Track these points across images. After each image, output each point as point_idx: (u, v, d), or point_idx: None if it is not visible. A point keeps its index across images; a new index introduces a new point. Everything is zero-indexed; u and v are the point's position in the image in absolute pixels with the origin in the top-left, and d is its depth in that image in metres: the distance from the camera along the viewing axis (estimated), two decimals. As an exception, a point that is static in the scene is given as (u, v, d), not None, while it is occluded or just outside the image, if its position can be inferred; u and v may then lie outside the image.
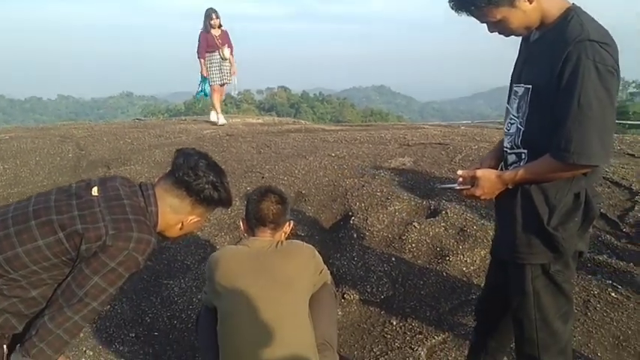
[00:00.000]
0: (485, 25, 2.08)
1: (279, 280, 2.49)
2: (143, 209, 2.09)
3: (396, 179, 5.44)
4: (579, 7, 1.96)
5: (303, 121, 13.27)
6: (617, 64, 1.85)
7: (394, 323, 3.57)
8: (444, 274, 3.95)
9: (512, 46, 2.26)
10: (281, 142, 7.45)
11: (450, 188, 2.42)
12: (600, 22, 1.93)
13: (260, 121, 11.78)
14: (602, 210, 4.47)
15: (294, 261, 2.57)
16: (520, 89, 2.09)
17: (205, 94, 9.80)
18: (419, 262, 4.13)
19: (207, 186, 2.14)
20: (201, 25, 9.34)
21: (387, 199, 4.94)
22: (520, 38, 2.18)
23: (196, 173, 2.13)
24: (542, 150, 1.96)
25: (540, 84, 1.97)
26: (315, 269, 2.67)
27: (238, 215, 4.55)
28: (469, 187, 2.18)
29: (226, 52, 9.33)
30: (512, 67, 2.24)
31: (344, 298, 3.81)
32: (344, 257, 4.23)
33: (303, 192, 5.37)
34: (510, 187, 2.09)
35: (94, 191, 2.07)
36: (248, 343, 2.39)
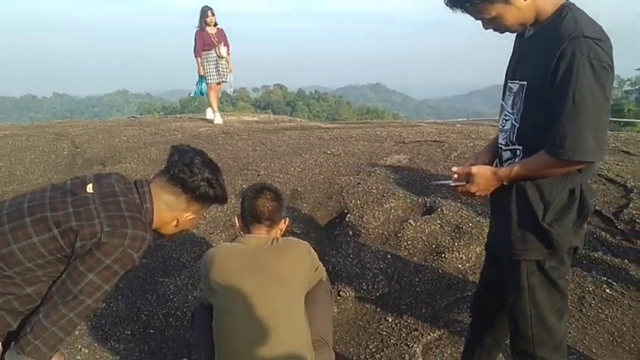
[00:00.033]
0: (480, 22, 2.08)
1: (275, 277, 2.49)
2: (138, 206, 2.09)
3: (392, 177, 5.45)
4: (573, 4, 1.96)
5: (298, 119, 13.28)
6: (612, 61, 1.85)
7: (390, 320, 3.57)
8: (440, 271, 3.96)
9: (510, 43, 2.27)
10: (277, 140, 7.45)
11: (445, 185, 2.43)
12: (599, 21, 1.93)
13: (256, 118, 11.77)
14: (597, 207, 4.49)
15: (289, 258, 2.57)
16: (515, 86, 2.09)
17: (202, 93, 9.78)
18: (414, 259, 4.14)
19: (202, 183, 2.14)
20: (197, 23, 9.31)
21: (383, 196, 4.95)
22: (514, 35, 2.18)
23: (192, 170, 2.13)
24: (537, 146, 1.96)
25: (535, 80, 1.97)
26: (311, 266, 2.67)
27: (234, 213, 4.55)
28: (464, 183, 2.19)
29: (223, 50, 9.31)
30: (507, 64, 2.24)
31: (340, 295, 3.81)
32: (339, 255, 4.23)
33: (299, 189, 5.37)
34: (505, 183, 2.09)
35: (89, 188, 2.07)
36: (244, 340, 2.38)
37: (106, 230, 1.93)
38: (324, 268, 2.82)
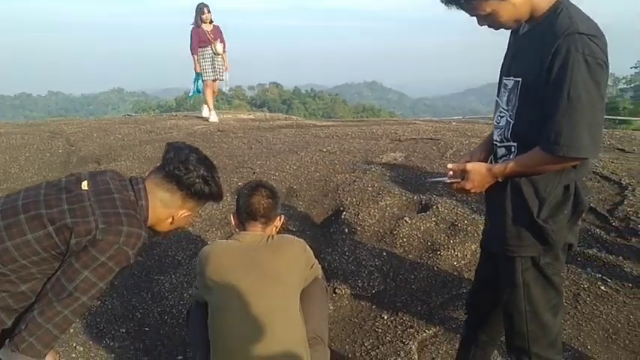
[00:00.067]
0: (474, 19, 2.08)
1: (270, 275, 2.49)
2: (133, 203, 2.08)
3: (388, 174, 5.45)
4: (568, 0, 1.96)
5: (294, 117, 13.27)
6: (606, 57, 1.85)
7: (385, 317, 3.58)
8: (435, 268, 3.97)
9: (505, 40, 2.27)
10: (272, 138, 7.44)
11: (440, 182, 2.42)
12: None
13: (251, 116, 11.77)
14: (591, 204, 4.50)
15: (284, 255, 2.57)
16: (510, 82, 2.09)
17: (199, 91, 9.75)
18: (410, 256, 4.14)
19: (197, 180, 2.14)
20: (192, 21, 9.28)
21: (379, 194, 4.95)
22: (509, 31, 2.18)
23: (187, 167, 2.12)
24: (531, 143, 1.96)
25: (530, 77, 1.97)
26: (306, 264, 2.67)
27: (229, 211, 4.54)
28: (459, 180, 2.19)
29: (219, 47, 9.27)
30: (502, 61, 2.24)
31: (335, 292, 3.81)
32: (335, 252, 4.24)
33: (295, 187, 5.36)
34: (500, 180, 2.09)
35: (84, 185, 2.06)
36: (239, 338, 2.38)
37: (101, 227, 1.92)
38: (319, 266, 2.82)
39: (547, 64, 1.87)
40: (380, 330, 3.47)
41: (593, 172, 5.12)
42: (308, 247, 2.73)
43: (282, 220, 2.81)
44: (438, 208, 4.62)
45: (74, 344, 3.46)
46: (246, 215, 2.65)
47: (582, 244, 4.04)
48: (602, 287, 3.62)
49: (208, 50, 9.27)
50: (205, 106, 10.01)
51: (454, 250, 4.10)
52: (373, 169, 5.57)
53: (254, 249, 2.56)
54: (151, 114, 24.72)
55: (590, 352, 3.13)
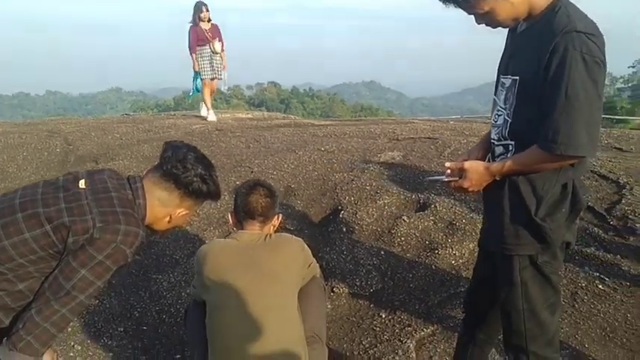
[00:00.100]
0: (472, 17, 2.08)
1: (268, 273, 2.49)
2: (131, 202, 2.08)
3: (386, 173, 5.46)
4: None
5: (292, 116, 13.28)
6: (604, 56, 1.86)
7: (383, 316, 3.58)
8: (433, 267, 3.97)
9: (503, 39, 2.27)
10: (270, 137, 7.44)
11: (438, 180, 2.42)
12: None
13: (249, 115, 11.76)
14: (589, 203, 4.51)
15: (282, 254, 2.58)
16: (507, 81, 2.09)
17: (198, 90, 9.72)
18: (408, 255, 4.14)
19: (195, 179, 2.14)
20: (190, 19, 9.26)
21: (377, 193, 4.95)
22: (507, 30, 2.19)
23: (185, 166, 2.12)
24: (529, 141, 1.96)
25: (527, 75, 1.97)
26: (304, 262, 2.67)
27: (227, 210, 4.54)
28: (457, 179, 2.19)
29: (217, 45, 9.25)
30: (499, 59, 2.24)
31: (333, 291, 3.81)
32: (333, 251, 4.24)
33: (293, 186, 5.36)
34: (498, 178, 2.09)
35: (82, 184, 2.06)
36: (237, 337, 2.38)
37: (99, 226, 1.92)
38: (317, 265, 2.82)
39: (545, 62, 1.87)
40: (378, 329, 3.47)
41: (591, 170, 5.13)
42: (306, 245, 2.73)
43: (280, 218, 2.81)
44: (436, 207, 4.62)
45: (72, 343, 3.45)
46: (244, 214, 2.65)
47: (580, 243, 4.04)
48: (600, 286, 3.62)
49: (206, 49, 9.24)
50: (204, 105, 9.99)
51: (452, 249, 4.11)
52: (371, 168, 5.57)
53: (252, 248, 2.56)
54: (149, 113, 24.70)
55: (588, 350, 3.13)
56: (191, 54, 9.25)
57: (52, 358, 2.12)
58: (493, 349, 2.73)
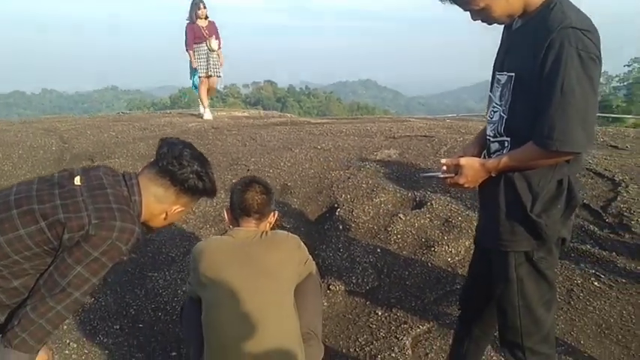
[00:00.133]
0: (468, 14, 2.08)
1: (264, 271, 2.49)
2: (126, 198, 2.08)
3: (382, 171, 5.46)
4: None
5: (289, 115, 13.27)
6: (599, 51, 1.86)
7: (379, 313, 3.58)
8: (429, 264, 3.97)
9: (498, 36, 2.27)
10: (266, 135, 7.43)
11: (433, 177, 2.43)
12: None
13: (246, 114, 11.74)
14: (585, 201, 4.52)
15: (279, 251, 2.57)
16: (503, 77, 2.09)
17: (195, 87, 9.67)
18: (404, 253, 4.15)
19: (191, 175, 2.13)
20: (187, 16, 9.22)
21: (373, 190, 4.95)
22: (502, 26, 2.19)
23: (180, 162, 2.11)
24: (525, 138, 1.97)
25: (523, 72, 1.97)
26: (300, 259, 2.67)
27: (223, 207, 4.53)
28: (453, 175, 2.19)
29: (214, 43, 9.18)
30: (495, 56, 2.24)
31: (329, 289, 3.81)
32: (329, 249, 4.24)
33: (289, 184, 5.36)
34: (494, 174, 2.09)
35: (77, 180, 2.05)
36: (233, 334, 2.38)
37: (94, 223, 1.91)
38: (313, 262, 2.82)
39: (540, 58, 1.87)
40: (374, 326, 3.48)
41: (587, 168, 5.14)
42: (302, 242, 2.73)
43: (276, 215, 2.81)
44: (432, 204, 4.62)
45: (68, 341, 3.45)
46: (239, 211, 2.65)
47: (576, 240, 4.05)
48: (596, 283, 3.63)
49: (203, 47, 9.20)
50: (201, 105, 9.92)
51: (448, 246, 4.11)
52: (367, 166, 5.58)
53: (248, 245, 2.55)
54: (145, 112, 24.65)
55: (584, 347, 3.14)
56: (188, 51, 9.20)
57: (47, 355, 2.12)
58: (489, 346, 2.73)
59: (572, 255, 3.94)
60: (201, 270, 2.50)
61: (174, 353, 3.42)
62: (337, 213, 4.68)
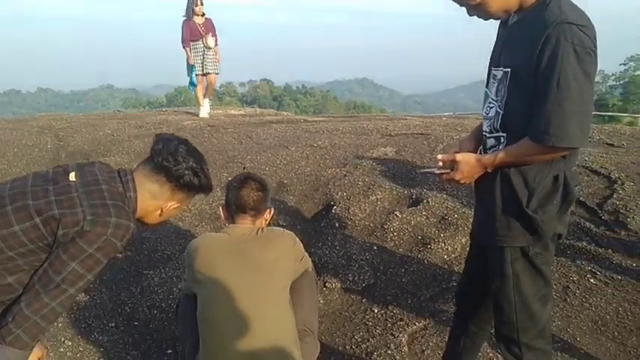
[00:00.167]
0: (464, 10, 2.08)
1: (260, 267, 2.48)
2: (121, 195, 2.07)
3: (378, 169, 5.46)
4: None
5: (285, 113, 13.25)
6: (595, 46, 1.85)
7: (375, 311, 3.58)
8: (425, 262, 3.97)
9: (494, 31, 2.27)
10: (263, 133, 7.42)
11: (430, 173, 2.42)
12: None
13: (242, 112, 11.73)
14: (581, 198, 4.53)
15: (274, 248, 2.56)
16: (499, 73, 2.08)
17: (193, 84, 9.55)
18: (400, 250, 4.15)
19: (187, 172, 2.12)
20: (184, 12, 9.17)
21: (369, 188, 4.95)
22: (498, 22, 2.18)
23: (176, 159, 2.10)
24: (521, 133, 1.96)
25: (519, 67, 1.97)
26: (296, 256, 2.67)
27: (219, 205, 4.53)
28: (449, 171, 2.18)
29: (210, 40, 9.10)
30: (491, 51, 2.23)
31: (325, 286, 3.81)
32: (326, 246, 4.23)
33: (285, 182, 5.36)
34: (490, 170, 2.09)
35: (72, 176, 2.04)
36: (228, 330, 2.37)
37: (89, 219, 1.90)
38: (309, 259, 2.82)
39: (536, 54, 1.86)
40: (370, 323, 3.47)
41: (583, 166, 5.15)
42: (298, 239, 2.72)
43: (272, 212, 2.80)
44: (428, 202, 4.62)
45: (62, 339, 3.43)
46: (235, 208, 2.64)
47: (572, 237, 4.06)
48: (592, 280, 3.64)
49: (199, 44, 9.13)
50: (205, 100, 9.81)
51: (444, 243, 4.11)
52: (364, 163, 5.57)
53: (243, 241, 2.54)
54: (141, 110, 24.61)
55: (580, 343, 3.15)
56: (184, 48, 9.15)
57: (41, 352, 2.11)
58: (485, 342, 2.72)
59: (569, 252, 3.94)
60: (197, 267, 2.50)
61: (169, 351, 3.41)
62: (333, 211, 4.67)
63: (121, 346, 3.45)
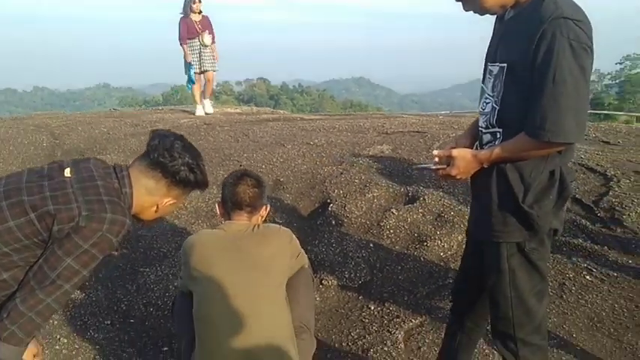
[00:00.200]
0: (460, 5, 2.08)
1: (256, 264, 2.47)
2: (117, 191, 2.06)
3: (375, 167, 5.45)
4: None
5: (281, 111, 13.23)
6: (591, 42, 1.85)
7: (372, 308, 3.58)
8: (422, 259, 3.97)
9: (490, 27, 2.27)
10: (259, 131, 7.41)
11: (426, 168, 2.42)
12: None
13: (238, 110, 11.71)
14: (577, 195, 4.54)
15: (270, 245, 2.56)
16: (495, 68, 2.08)
17: (192, 81, 9.48)
18: (397, 247, 4.15)
19: (183, 167, 2.11)
20: (181, 10, 9.13)
21: (366, 186, 4.95)
22: (494, 17, 2.18)
23: (172, 155, 2.10)
24: (517, 129, 1.96)
25: (515, 62, 1.97)
26: (292, 253, 2.66)
27: (215, 203, 4.53)
28: (445, 166, 2.18)
29: (207, 38, 9.05)
30: (487, 47, 2.23)
31: (322, 283, 3.81)
32: (322, 244, 4.23)
33: (282, 180, 5.35)
34: (486, 166, 2.08)
35: (67, 172, 2.03)
36: (224, 327, 2.37)
37: (85, 214, 1.89)
38: (305, 255, 2.81)
39: (532, 49, 1.86)
40: (366, 320, 3.47)
41: (579, 163, 5.16)
42: (294, 236, 2.72)
43: (268, 209, 2.79)
44: (424, 199, 4.62)
45: (58, 336, 3.42)
46: (231, 204, 2.63)
47: (568, 234, 4.07)
48: (588, 277, 3.65)
49: (196, 42, 9.08)
50: (199, 105, 9.76)
51: (441, 241, 4.11)
52: (360, 161, 5.57)
53: (239, 238, 2.54)
54: (137, 109, 24.54)
55: (576, 340, 3.15)
56: (182, 45, 9.09)
57: (36, 349, 2.10)
58: (481, 339, 2.73)
59: (565, 249, 3.95)
60: (193, 264, 2.49)
61: (165, 348, 3.41)
62: (330, 208, 4.67)
63: (116, 344, 3.44)
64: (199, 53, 9.16)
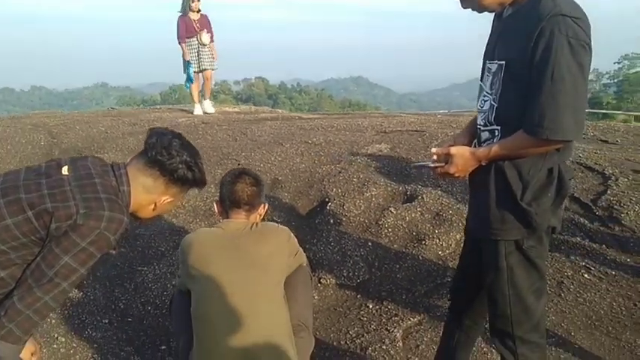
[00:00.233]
0: (458, 2, 2.08)
1: (254, 262, 2.47)
2: (115, 188, 2.05)
3: (373, 165, 5.45)
4: None
5: (280, 110, 13.23)
6: (590, 39, 1.85)
7: (370, 306, 3.58)
8: (420, 257, 3.97)
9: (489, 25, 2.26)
10: (257, 130, 7.40)
11: (424, 166, 2.41)
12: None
13: (236, 109, 11.71)
14: (575, 194, 4.54)
15: (268, 243, 2.56)
16: (493, 66, 2.08)
17: (190, 80, 9.43)
18: (395, 246, 4.15)
19: (180, 165, 2.11)
20: (179, 8, 9.11)
21: (364, 185, 4.94)
22: (493, 15, 2.18)
23: (170, 152, 2.09)
24: (515, 126, 1.96)
25: (514, 60, 1.96)
26: (290, 251, 2.66)
27: (213, 202, 4.52)
28: (443, 164, 2.18)
29: (205, 37, 9.03)
30: (485, 44, 2.23)
31: (320, 282, 3.81)
32: (320, 243, 4.23)
33: (280, 179, 5.35)
34: (484, 163, 2.08)
35: (65, 170, 2.03)
36: (222, 326, 2.36)
37: (82, 212, 1.89)
38: (303, 254, 2.81)
39: (531, 46, 1.86)
40: (365, 318, 3.47)
41: (577, 162, 5.16)
42: (292, 234, 2.71)
43: (266, 207, 2.79)
44: (423, 198, 4.62)
45: (56, 335, 3.42)
46: (229, 203, 2.63)
47: (566, 233, 4.07)
48: (586, 275, 3.65)
49: (194, 41, 9.06)
50: (197, 104, 9.74)
51: (439, 239, 4.11)
52: (358, 160, 5.57)
53: (237, 237, 2.53)
54: (135, 108, 24.51)
55: (574, 338, 3.16)
56: (180, 44, 9.06)
57: (34, 347, 2.09)
58: (479, 337, 2.73)
59: (563, 247, 3.95)
60: (190, 262, 2.48)
61: (163, 347, 3.40)
62: (328, 207, 4.67)
63: (114, 343, 3.43)
64: (198, 52, 9.13)
